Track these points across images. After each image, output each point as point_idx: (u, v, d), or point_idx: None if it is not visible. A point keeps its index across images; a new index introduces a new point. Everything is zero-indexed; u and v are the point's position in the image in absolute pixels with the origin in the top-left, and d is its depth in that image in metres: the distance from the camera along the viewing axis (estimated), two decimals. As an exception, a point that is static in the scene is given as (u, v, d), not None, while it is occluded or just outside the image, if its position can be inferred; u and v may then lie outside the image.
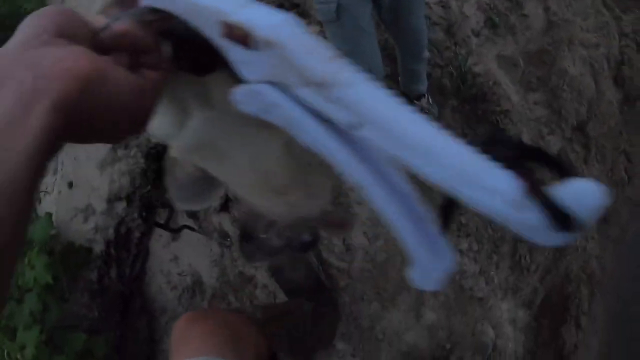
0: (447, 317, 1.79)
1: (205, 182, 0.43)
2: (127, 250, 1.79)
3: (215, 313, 0.79)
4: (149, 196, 1.77)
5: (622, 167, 2.19)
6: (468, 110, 1.74)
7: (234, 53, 0.28)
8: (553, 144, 1.87)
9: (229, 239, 1.80)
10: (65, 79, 0.24)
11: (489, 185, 0.22)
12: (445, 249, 0.29)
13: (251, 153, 0.36)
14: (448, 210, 0.28)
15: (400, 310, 1.76)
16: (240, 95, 0.29)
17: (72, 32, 0.28)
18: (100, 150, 1.79)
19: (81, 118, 0.25)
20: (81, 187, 1.81)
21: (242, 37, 0.27)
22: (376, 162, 0.28)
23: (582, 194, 0.21)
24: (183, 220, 1.87)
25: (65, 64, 0.25)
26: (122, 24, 0.30)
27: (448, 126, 1.76)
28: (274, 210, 0.41)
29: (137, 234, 1.80)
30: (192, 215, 1.85)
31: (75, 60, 0.26)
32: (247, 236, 0.47)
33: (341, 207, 1.71)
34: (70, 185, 1.83)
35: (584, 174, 1.95)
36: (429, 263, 0.28)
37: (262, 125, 0.30)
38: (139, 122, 0.30)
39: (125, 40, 0.30)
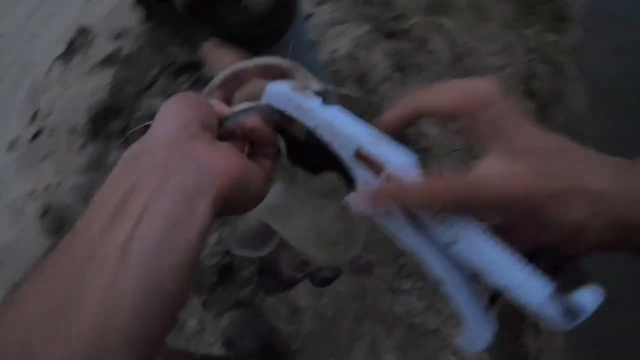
0: (404, 355, 1.83)
1: (264, 234, 0.51)
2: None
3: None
4: None
5: (547, 174, 2.31)
6: (389, 155, 1.81)
7: (361, 174, 0.34)
8: (476, 169, 1.96)
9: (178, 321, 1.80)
10: (222, 177, 0.28)
11: (532, 289, 0.31)
12: (491, 321, 0.37)
13: (314, 215, 0.44)
14: (495, 297, 0.38)
15: (358, 357, 1.79)
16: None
17: (210, 123, 0.31)
18: (37, 255, 1.78)
19: (228, 207, 0.29)
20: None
21: (376, 167, 0.33)
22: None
23: (590, 297, 0.30)
24: None
25: (222, 163, 0.28)
26: (253, 118, 0.35)
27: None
28: (322, 258, 0.51)
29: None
30: None
31: (228, 159, 0.29)
32: (266, 270, 0.54)
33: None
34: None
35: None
36: (480, 331, 0.36)
37: (325, 196, 0.39)
38: (258, 202, 0.34)
39: (253, 133, 0.35)
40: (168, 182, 0.26)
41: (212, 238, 1.77)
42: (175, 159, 0.27)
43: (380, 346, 1.81)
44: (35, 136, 2.25)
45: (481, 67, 2.22)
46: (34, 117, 2.33)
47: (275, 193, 0.43)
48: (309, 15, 2.37)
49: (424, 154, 1.82)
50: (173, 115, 0.31)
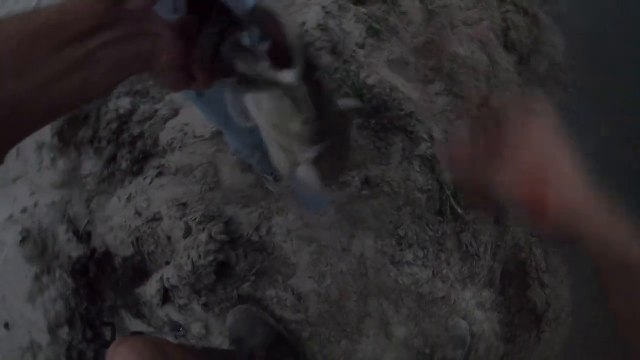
0: (416, 325, 1.79)
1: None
2: (84, 373, 1.71)
3: (145, 337, 0.80)
4: (89, 313, 1.71)
5: (535, 125, 2.27)
6: (374, 124, 1.74)
7: None
8: (463, 127, 1.90)
9: (181, 329, 1.74)
10: None
11: None
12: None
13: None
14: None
15: (370, 337, 1.75)
16: None
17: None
18: (24, 283, 1.68)
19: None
20: (18, 326, 1.70)
21: None
22: None
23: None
24: (129, 323, 1.79)
25: None
26: None
27: (359, 146, 1.76)
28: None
29: (90, 354, 1.73)
30: (138, 315, 1.78)
31: None
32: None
33: (278, 260, 1.67)
34: (7, 326, 1.71)
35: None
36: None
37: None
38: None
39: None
40: None
41: (202, 237, 1.68)
42: None
43: (391, 321, 1.77)
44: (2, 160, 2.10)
45: (456, 23, 2.14)
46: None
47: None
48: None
49: (409, 119, 1.75)
50: None
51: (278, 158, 0.62)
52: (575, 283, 2.39)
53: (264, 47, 0.48)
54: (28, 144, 1.91)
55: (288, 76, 0.47)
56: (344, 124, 0.78)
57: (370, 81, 1.79)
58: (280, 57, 0.48)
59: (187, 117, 1.95)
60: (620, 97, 2.69)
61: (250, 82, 0.48)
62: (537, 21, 2.73)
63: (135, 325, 1.80)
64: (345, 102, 1.01)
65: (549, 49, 2.64)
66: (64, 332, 1.68)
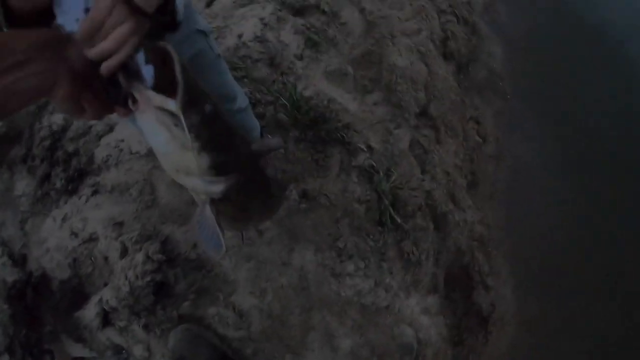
0: (362, 336, 1.79)
1: None
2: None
3: None
4: (28, 340, 1.65)
5: (473, 131, 2.35)
6: (311, 137, 1.74)
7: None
8: (403, 136, 1.94)
9: (124, 352, 1.68)
10: None
11: None
12: None
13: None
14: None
15: (314, 350, 1.74)
16: None
17: None
18: None
19: None
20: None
21: None
22: None
23: None
24: (71, 348, 1.72)
25: None
26: None
27: (296, 159, 1.75)
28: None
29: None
30: (79, 339, 1.71)
31: None
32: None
33: (217, 278, 1.64)
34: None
35: (440, 154, 2.05)
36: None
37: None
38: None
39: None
40: None
41: (139, 257, 1.63)
42: None
43: (335, 333, 1.76)
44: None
45: (396, 33, 2.18)
46: None
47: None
48: (212, 0, 2.22)
49: (347, 130, 1.76)
50: None
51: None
52: (517, 283, 2.48)
53: (149, 72, 0.53)
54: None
55: (170, 103, 0.50)
56: (257, 164, 0.78)
57: (307, 93, 1.79)
58: (166, 86, 0.51)
59: (123, 133, 1.89)
60: (557, 103, 2.83)
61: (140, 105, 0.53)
62: (476, 31, 2.82)
63: (77, 350, 1.72)
64: (267, 143, 1.06)
65: (487, 58, 2.74)
66: (4, 361, 1.60)
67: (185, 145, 0.54)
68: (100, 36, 0.48)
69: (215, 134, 0.57)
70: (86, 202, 1.82)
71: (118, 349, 1.66)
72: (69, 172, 1.88)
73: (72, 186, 1.86)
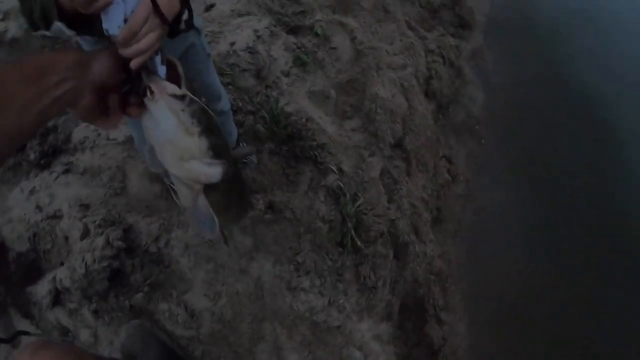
0: (310, 353, 1.80)
1: None
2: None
3: (61, 344, 0.84)
4: None
5: (444, 169, 2.44)
6: (286, 151, 1.79)
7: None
8: (375, 164, 2.00)
9: (70, 334, 1.65)
10: None
11: None
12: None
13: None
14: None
15: (262, 361, 1.74)
16: None
17: None
18: None
19: None
20: None
21: None
22: None
23: None
24: (18, 322, 1.69)
25: None
26: None
27: (268, 171, 1.79)
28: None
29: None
30: (27, 315, 1.68)
31: None
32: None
33: (174, 274, 1.64)
34: None
35: (408, 186, 2.12)
36: None
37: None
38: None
39: None
40: None
41: (100, 241, 1.63)
42: None
43: (284, 346, 1.77)
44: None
45: (382, 66, 2.27)
46: None
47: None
48: (211, 6, 2.28)
49: (321, 150, 1.82)
50: None
51: (181, 193, 0.80)
52: (472, 321, 2.53)
53: (163, 71, 0.69)
54: None
55: (180, 90, 0.66)
56: (236, 162, 0.90)
57: (288, 109, 1.85)
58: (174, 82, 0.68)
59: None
60: (529, 154, 2.95)
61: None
62: (461, 74, 2.96)
63: (23, 326, 1.69)
64: (241, 150, 1.16)
65: (468, 102, 2.86)
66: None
67: (188, 130, 0.67)
68: (135, 40, 0.63)
69: (210, 121, 0.70)
70: (56, 179, 1.82)
71: (65, 331, 1.64)
72: (44, 147, 1.89)
73: (45, 161, 1.87)
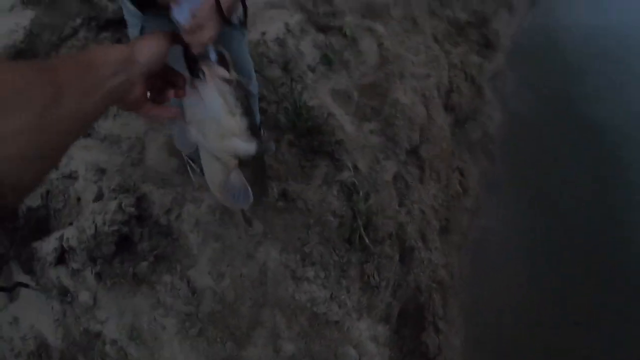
0: (306, 345, 1.81)
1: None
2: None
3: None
4: None
5: (456, 182, 2.46)
6: (304, 144, 1.82)
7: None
8: (389, 167, 2.03)
9: (69, 294, 1.67)
10: None
11: None
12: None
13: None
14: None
15: (257, 346, 1.75)
16: None
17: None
18: None
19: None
20: None
21: None
22: None
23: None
24: (19, 277, 1.70)
25: None
26: None
27: (285, 160, 1.83)
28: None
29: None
30: (29, 271, 1.70)
31: None
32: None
33: (181, 249, 1.67)
34: None
35: (420, 193, 2.14)
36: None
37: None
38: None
39: None
40: None
41: (112, 205, 1.66)
42: None
43: (282, 335, 1.78)
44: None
45: (406, 74, 2.31)
46: None
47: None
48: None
49: (338, 146, 1.85)
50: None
51: (211, 172, 0.88)
52: (468, 335, 2.52)
53: (215, 57, 0.77)
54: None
55: (230, 74, 0.75)
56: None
57: (311, 103, 1.88)
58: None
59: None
60: (538, 178, 2.96)
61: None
62: (481, 92, 2.99)
63: (24, 280, 1.70)
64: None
65: (485, 120, 2.89)
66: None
67: (231, 111, 0.75)
68: (200, 29, 0.74)
69: (248, 104, 0.78)
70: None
71: (64, 291, 1.64)
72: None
73: (66, 121, 1.90)
